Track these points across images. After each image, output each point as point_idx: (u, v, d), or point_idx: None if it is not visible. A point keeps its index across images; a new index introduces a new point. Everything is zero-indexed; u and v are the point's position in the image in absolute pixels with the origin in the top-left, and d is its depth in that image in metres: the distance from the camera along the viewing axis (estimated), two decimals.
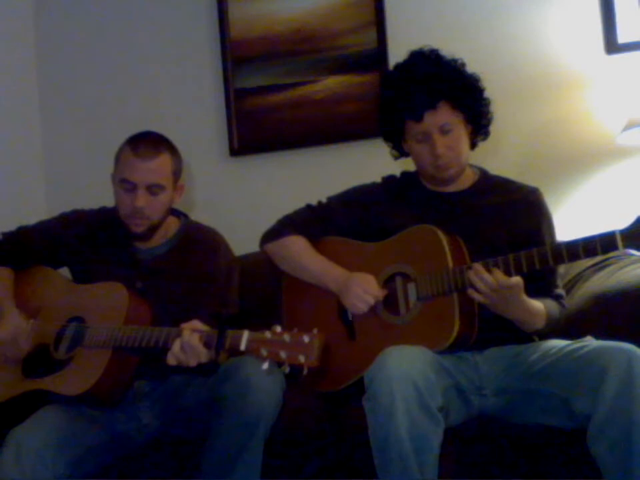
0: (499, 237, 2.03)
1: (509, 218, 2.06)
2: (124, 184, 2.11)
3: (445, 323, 1.91)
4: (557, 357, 1.85)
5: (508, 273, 1.84)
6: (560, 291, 2.09)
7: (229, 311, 2.19)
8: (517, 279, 1.84)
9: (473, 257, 1.95)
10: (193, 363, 1.86)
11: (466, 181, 2.13)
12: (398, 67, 2.12)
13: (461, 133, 2.05)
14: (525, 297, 1.89)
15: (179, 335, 1.87)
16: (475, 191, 2.12)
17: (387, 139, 2.19)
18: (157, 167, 2.11)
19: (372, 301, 2.03)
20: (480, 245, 1.97)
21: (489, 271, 1.84)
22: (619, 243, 1.72)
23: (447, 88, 2.01)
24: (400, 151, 2.19)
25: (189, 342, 1.85)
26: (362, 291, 2.03)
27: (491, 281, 1.83)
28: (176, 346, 1.86)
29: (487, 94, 2.10)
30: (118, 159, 2.16)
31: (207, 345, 1.85)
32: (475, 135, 2.13)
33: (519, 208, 2.08)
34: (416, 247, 2.02)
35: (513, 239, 2.02)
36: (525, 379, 1.89)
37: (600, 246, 1.75)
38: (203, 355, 1.85)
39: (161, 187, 2.12)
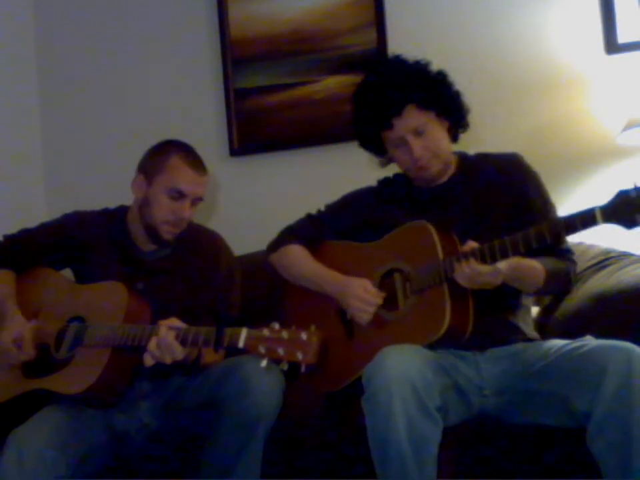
0: (491, 215, 2.04)
1: (496, 192, 2.07)
2: (173, 192, 2.13)
3: (437, 312, 1.92)
4: (557, 357, 1.86)
5: (494, 260, 1.83)
6: (565, 245, 2.08)
7: (231, 312, 2.20)
8: (492, 267, 1.84)
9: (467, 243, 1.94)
10: (168, 360, 1.87)
11: (449, 170, 2.14)
12: (362, 81, 2.15)
13: (437, 131, 2.06)
14: (513, 261, 1.88)
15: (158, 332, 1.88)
16: (458, 177, 2.13)
17: (369, 151, 2.21)
18: (205, 182, 2.20)
19: (372, 310, 2.03)
20: (478, 227, 1.98)
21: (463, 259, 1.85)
22: (599, 218, 1.72)
23: (410, 91, 2.02)
24: (388, 159, 2.20)
25: (165, 339, 1.86)
26: (360, 302, 2.03)
27: (468, 272, 1.85)
28: (152, 344, 1.87)
29: (456, 88, 2.10)
30: (162, 167, 2.15)
31: (183, 342, 1.86)
32: (455, 129, 2.13)
33: (503, 177, 2.09)
34: (409, 242, 2.04)
35: (505, 212, 2.03)
36: (525, 378, 1.89)
37: (580, 222, 1.75)
38: (178, 352, 1.86)
39: (201, 200, 2.20)
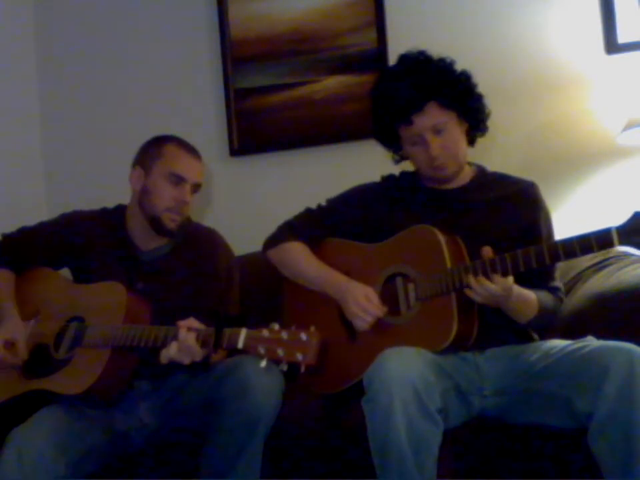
0: (497, 231, 2.02)
1: (506, 212, 2.06)
2: (172, 177, 2.15)
3: (444, 322, 1.91)
4: (558, 357, 1.85)
5: (505, 272, 1.83)
6: (556, 283, 2.08)
7: (230, 311, 2.20)
8: (511, 280, 1.84)
9: (472, 254, 1.94)
10: (186, 361, 1.86)
11: (464, 177, 2.13)
12: (385, 72, 2.13)
13: (456, 131, 2.05)
14: (516, 288, 1.89)
15: (177, 334, 1.87)
16: (473, 186, 2.12)
17: (385, 146, 2.19)
18: (202, 169, 2.23)
19: (371, 320, 2.01)
20: (479, 240, 1.95)
21: (489, 277, 1.83)
22: (615, 239, 1.71)
23: (434, 88, 2.00)
24: (401, 156, 2.19)
25: (185, 341, 1.85)
26: (360, 310, 2.01)
27: (494, 289, 1.83)
28: (173, 347, 1.86)
29: (479, 89, 2.09)
30: (159, 155, 2.18)
31: (203, 343, 1.86)
32: (473, 131, 2.12)
33: (517, 202, 2.08)
34: (415, 247, 2.02)
35: (511, 233, 2.02)
36: (525, 378, 1.89)
37: (596, 243, 1.74)
38: (197, 354, 1.86)
39: (199, 188, 2.22)
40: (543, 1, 2.82)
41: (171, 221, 2.17)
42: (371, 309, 2.01)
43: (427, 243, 1.98)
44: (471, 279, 1.85)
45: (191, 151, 2.20)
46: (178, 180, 2.15)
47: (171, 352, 1.86)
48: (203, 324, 1.91)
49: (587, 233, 1.76)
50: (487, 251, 1.86)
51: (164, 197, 2.15)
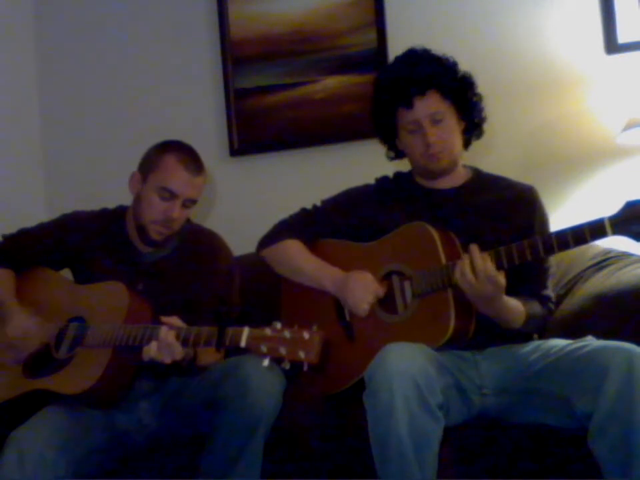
0: (491, 233, 2.02)
1: (501, 214, 2.06)
2: (164, 192, 2.12)
3: (441, 318, 1.92)
4: (558, 357, 1.86)
5: (500, 265, 1.83)
6: (548, 292, 2.09)
7: (230, 312, 2.19)
8: (502, 280, 1.84)
9: (466, 252, 1.94)
10: (167, 360, 1.86)
11: (459, 178, 2.14)
12: (389, 63, 2.15)
13: (453, 125, 2.06)
14: (504, 297, 1.90)
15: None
16: (468, 187, 2.13)
17: (380, 135, 2.20)
18: (199, 184, 2.18)
19: (371, 299, 2.02)
20: (472, 241, 1.95)
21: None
22: (608, 229, 1.72)
23: (437, 77, 2.03)
24: (395, 151, 2.20)
25: (165, 339, 1.85)
26: (361, 290, 2.03)
27: (480, 265, 1.82)
28: (153, 344, 1.87)
29: (479, 91, 2.11)
30: (157, 165, 2.15)
31: (184, 342, 1.86)
32: (469, 133, 2.13)
33: (512, 205, 2.08)
34: (409, 244, 2.03)
35: (504, 236, 2.01)
36: (525, 378, 1.89)
37: (589, 233, 1.74)
38: (177, 352, 1.86)
39: (194, 202, 2.18)
40: (543, 0, 2.82)
41: (156, 233, 2.16)
42: (371, 286, 2.02)
43: (420, 240, 1.99)
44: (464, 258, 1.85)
45: (190, 165, 2.14)
46: (169, 195, 2.12)
47: (151, 347, 1.86)
48: (205, 324, 1.91)
49: (580, 224, 1.76)
50: (474, 249, 1.85)
51: (152, 208, 2.14)
